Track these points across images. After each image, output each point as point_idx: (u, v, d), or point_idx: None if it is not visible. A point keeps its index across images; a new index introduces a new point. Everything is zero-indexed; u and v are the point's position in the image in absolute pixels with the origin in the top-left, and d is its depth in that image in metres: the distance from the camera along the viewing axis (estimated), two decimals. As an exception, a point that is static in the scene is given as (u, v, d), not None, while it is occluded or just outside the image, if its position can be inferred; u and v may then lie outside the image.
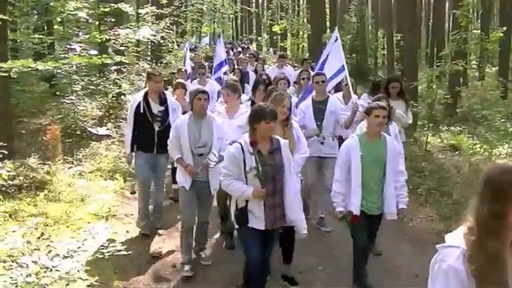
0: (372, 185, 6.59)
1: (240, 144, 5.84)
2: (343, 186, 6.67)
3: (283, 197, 5.94)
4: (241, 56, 23.10)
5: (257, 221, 5.88)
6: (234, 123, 7.97)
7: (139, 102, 8.49)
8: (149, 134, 8.48)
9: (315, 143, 8.79)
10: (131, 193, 10.50)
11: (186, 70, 14.40)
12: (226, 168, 5.87)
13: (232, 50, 30.62)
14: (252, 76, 15.45)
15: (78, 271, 7.05)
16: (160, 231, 9.01)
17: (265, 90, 8.69)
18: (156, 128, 8.48)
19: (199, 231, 7.73)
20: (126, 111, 17.33)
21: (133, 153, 8.67)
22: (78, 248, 7.84)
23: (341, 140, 8.86)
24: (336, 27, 11.84)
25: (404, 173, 6.96)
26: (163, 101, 8.64)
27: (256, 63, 19.38)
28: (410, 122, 9.68)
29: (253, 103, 8.70)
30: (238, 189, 5.86)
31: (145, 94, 8.57)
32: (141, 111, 8.44)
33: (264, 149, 5.85)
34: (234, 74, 14.35)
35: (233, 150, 5.84)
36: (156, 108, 8.53)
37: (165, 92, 9.12)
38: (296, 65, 19.68)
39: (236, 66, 17.67)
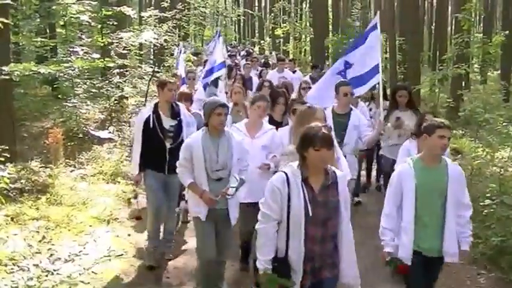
0: (428, 220, 5.36)
1: (285, 174, 4.59)
2: (394, 222, 5.46)
3: (338, 246, 4.66)
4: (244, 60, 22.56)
5: (293, 274, 4.59)
6: (257, 143, 7.05)
7: (148, 116, 7.50)
8: (160, 152, 7.48)
9: None
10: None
11: (180, 75, 13.40)
12: (267, 205, 4.62)
13: (239, 54, 29.94)
14: (256, 82, 14.44)
15: (79, 274, 7.06)
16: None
17: (285, 103, 8.06)
18: (168, 145, 7.49)
19: (214, 271, 6.53)
20: (128, 114, 17.61)
21: (142, 174, 7.62)
22: (80, 251, 7.85)
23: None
24: (378, 12, 10.25)
25: (470, 206, 5.55)
26: (175, 114, 7.65)
27: (261, 68, 18.73)
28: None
29: (271, 119, 8.09)
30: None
31: (155, 107, 7.64)
32: (150, 126, 7.46)
33: (315, 184, 4.57)
34: (234, 81, 13.27)
35: (276, 183, 4.58)
36: (167, 122, 7.55)
37: (178, 103, 7.99)
38: (296, 69, 18.92)
39: (238, 72, 16.40)
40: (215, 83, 12.94)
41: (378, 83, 8.95)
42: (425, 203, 5.33)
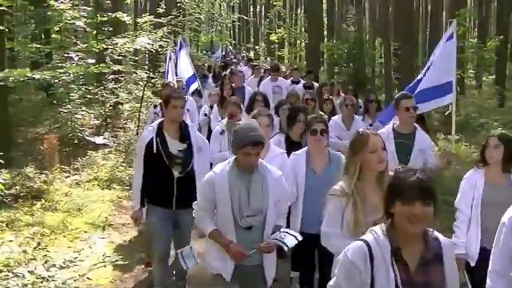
0: None
1: (367, 244, 3.13)
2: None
3: None
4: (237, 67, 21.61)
5: None
6: None
7: (151, 139, 6.17)
8: (166, 183, 6.16)
9: None
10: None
11: (174, 85, 11.04)
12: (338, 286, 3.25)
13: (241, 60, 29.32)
14: (249, 93, 12.36)
15: (74, 281, 7.04)
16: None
17: (306, 120, 6.59)
18: (176, 174, 6.14)
19: None
20: (124, 120, 17.59)
21: (144, 209, 6.40)
22: (75, 258, 7.83)
23: None
24: (455, 20, 9.02)
25: None
26: (185, 136, 6.30)
27: (264, 75, 16.78)
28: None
29: (288, 139, 6.93)
30: None
31: (159, 128, 6.26)
32: (154, 151, 6.11)
33: (411, 257, 3.12)
34: (222, 91, 11.26)
35: (354, 257, 3.13)
36: (174, 146, 6.21)
37: (188, 122, 6.69)
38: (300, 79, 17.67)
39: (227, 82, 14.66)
40: (199, 92, 12.89)
41: (451, 104, 7.89)
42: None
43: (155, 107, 9.91)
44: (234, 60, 29.51)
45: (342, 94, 12.48)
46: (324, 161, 5.81)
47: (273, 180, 4.81)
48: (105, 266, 7.68)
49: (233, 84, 12.16)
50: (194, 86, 12.58)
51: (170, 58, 12.33)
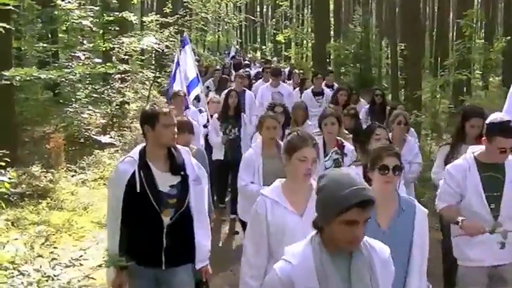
0: None
1: None
2: None
3: None
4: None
5: None
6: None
7: (133, 173, 4.56)
8: (153, 234, 4.62)
9: (488, 244, 4.89)
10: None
11: (184, 94, 9.66)
12: None
13: (254, 64, 28.21)
14: (250, 98, 11.83)
15: (78, 281, 7.04)
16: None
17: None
18: (166, 221, 4.59)
19: None
20: (130, 120, 17.63)
21: (124, 273, 4.76)
22: (81, 256, 7.83)
23: None
24: None
25: None
26: (177, 166, 4.69)
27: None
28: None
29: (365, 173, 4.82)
30: None
31: (142, 156, 4.66)
32: (137, 189, 4.52)
33: None
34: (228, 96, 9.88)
35: None
36: (164, 181, 4.63)
37: (181, 146, 4.96)
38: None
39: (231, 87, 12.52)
40: (197, 96, 11.23)
41: None
42: None
43: None
44: (247, 62, 28.78)
45: (362, 100, 11.72)
46: (392, 210, 4.07)
47: (382, 264, 3.04)
48: (109, 265, 7.68)
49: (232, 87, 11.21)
50: (196, 91, 10.84)
51: (178, 63, 10.74)
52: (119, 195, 4.59)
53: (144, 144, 4.78)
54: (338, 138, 6.85)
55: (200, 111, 10.31)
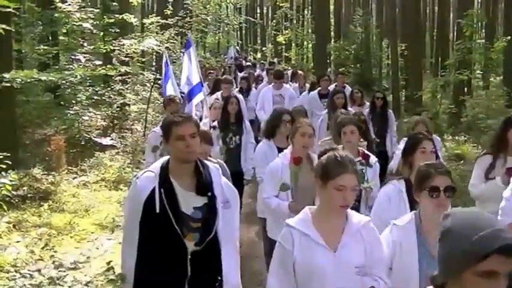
0: None
1: None
2: None
3: None
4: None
5: None
6: (344, 257, 3.50)
7: (152, 191, 3.94)
8: (175, 262, 3.99)
9: None
10: None
11: (180, 100, 9.32)
12: None
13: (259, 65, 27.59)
14: (241, 101, 10.13)
15: (81, 283, 7.04)
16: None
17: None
18: (191, 247, 3.96)
19: None
20: (131, 121, 17.65)
21: None
22: (82, 258, 7.84)
23: None
24: None
25: None
26: (204, 184, 4.05)
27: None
28: None
29: (409, 189, 4.37)
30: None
31: (164, 171, 4.03)
32: (157, 210, 3.90)
33: None
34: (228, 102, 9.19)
35: None
36: (189, 201, 3.99)
37: (208, 161, 4.41)
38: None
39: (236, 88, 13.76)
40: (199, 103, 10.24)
41: None
42: None
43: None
44: (249, 63, 28.57)
45: (367, 103, 10.85)
46: None
47: None
48: (112, 267, 7.68)
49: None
50: (199, 97, 9.69)
51: (167, 64, 10.39)
52: (136, 216, 3.98)
53: (166, 158, 4.16)
54: (360, 148, 6.35)
55: (200, 118, 9.42)
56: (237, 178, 7.46)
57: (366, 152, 6.33)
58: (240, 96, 11.15)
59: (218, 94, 12.05)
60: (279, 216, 5.49)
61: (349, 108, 9.58)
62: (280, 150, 6.36)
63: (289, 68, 25.98)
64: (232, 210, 4.23)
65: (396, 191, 4.52)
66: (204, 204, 4.01)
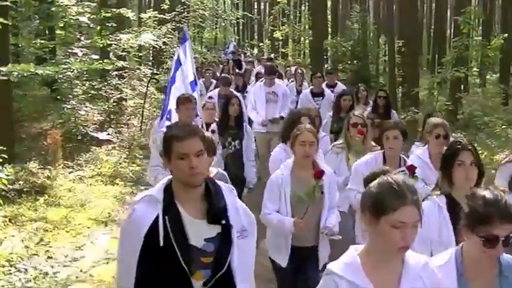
0: None
1: None
2: None
3: None
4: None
5: None
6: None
7: (155, 220, 3.25)
8: None
9: None
10: None
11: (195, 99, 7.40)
12: None
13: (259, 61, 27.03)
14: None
15: (76, 277, 7.06)
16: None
17: None
18: (198, 286, 3.28)
19: None
20: (127, 116, 17.62)
21: None
22: (77, 252, 7.85)
23: None
24: None
25: None
26: (216, 212, 3.34)
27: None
28: None
29: (452, 204, 3.96)
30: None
31: (168, 194, 3.33)
32: (160, 243, 3.22)
33: None
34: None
35: None
36: (198, 231, 3.30)
37: (222, 183, 3.57)
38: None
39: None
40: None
41: None
42: None
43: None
44: (250, 59, 28.33)
45: (371, 102, 10.12)
46: (490, 277, 3.02)
47: None
48: (107, 262, 7.69)
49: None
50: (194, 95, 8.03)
51: (179, 62, 8.14)
52: (134, 249, 3.25)
53: (169, 177, 3.42)
54: (402, 155, 5.77)
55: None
56: (236, 186, 6.87)
57: (407, 160, 5.68)
58: (239, 95, 10.67)
59: (212, 93, 11.60)
60: (280, 234, 5.26)
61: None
62: None
63: (289, 65, 25.69)
64: (249, 239, 3.47)
65: (435, 207, 3.92)
66: (217, 235, 3.29)
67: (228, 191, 3.44)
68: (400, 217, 2.64)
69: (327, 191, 5.20)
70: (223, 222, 3.30)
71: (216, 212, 3.30)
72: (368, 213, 2.76)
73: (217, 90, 11.72)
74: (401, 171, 5.24)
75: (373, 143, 6.51)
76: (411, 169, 5.23)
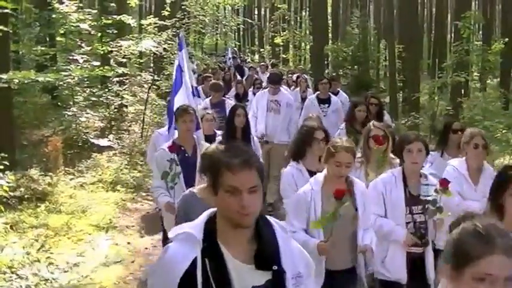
0: None
1: None
2: None
3: None
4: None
5: None
6: None
7: (192, 264, 2.61)
8: None
9: None
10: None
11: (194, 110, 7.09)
12: None
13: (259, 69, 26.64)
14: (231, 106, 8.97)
15: (78, 282, 7.06)
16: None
17: None
18: None
19: None
20: (128, 123, 17.61)
21: None
22: (78, 259, 7.85)
23: None
24: None
25: None
26: (266, 256, 2.70)
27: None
28: None
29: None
30: None
31: (210, 232, 2.71)
32: None
33: None
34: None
35: None
36: (245, 277, 2.65)
37: (273, 219, 2.88)
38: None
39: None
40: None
41: None
42: None
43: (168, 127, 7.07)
44: (251, 66, 28.05)
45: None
46: None
47: None
48: (108, 267, 7.69)
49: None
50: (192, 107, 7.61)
51: (181, 69, 8.14)
52: None
53: (211, 210, 2.82)
54: (422, 171, 5.32)
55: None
56: None
57: (428, 176, 5.30)
58: (233, 103, 10.28)
59: (203, 102, 10.69)
60: (312, 257, 4.70)
61: None
62: (311, 174, 5.31)
63: (291, 71, 25.59)
64: (304, 286, 2.84)
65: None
66: (268, 282, 2.69)
67: (280, 229, 2.82)
68: (487, 268, 2.12)
69: (361, 208, 4.77)
70: (275, 267, 2.70)
71: (266, 256, 2.70)
72: (451, 267, 2.25)
73: (208, 99, 11.21)
74: (433, 185, 4.97)
75: (392, 155, 6.02)
76: (444, 184, 4.83)
